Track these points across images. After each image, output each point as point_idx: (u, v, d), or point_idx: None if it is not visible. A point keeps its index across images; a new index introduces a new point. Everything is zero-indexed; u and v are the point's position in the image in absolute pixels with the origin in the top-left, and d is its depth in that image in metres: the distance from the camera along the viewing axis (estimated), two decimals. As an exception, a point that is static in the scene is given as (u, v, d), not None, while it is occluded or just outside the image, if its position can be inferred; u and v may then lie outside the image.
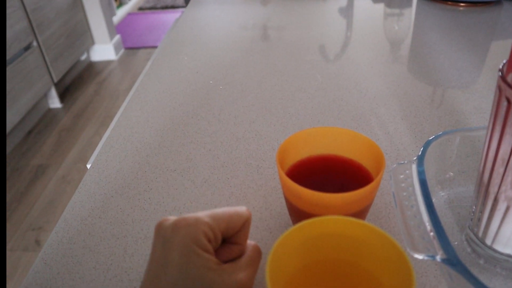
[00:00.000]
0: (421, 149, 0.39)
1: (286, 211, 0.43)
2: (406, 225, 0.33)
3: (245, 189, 0.46)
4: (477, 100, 0.60)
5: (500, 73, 0.30)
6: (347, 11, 1.00)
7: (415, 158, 0.38)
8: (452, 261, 0.29)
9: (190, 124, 0.57)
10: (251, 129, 0.56)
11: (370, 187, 0.32)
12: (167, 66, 0.74)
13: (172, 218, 0.29)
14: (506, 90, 0.29)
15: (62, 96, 2.53)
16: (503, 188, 0.32)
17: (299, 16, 0.95)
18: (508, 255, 0.35)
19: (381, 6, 1.00)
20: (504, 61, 0.31)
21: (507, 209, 0.32)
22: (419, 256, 0.30)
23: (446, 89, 0.63)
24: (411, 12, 0.97)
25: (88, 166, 0.62)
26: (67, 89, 2.63)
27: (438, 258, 0.30)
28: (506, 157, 0.31)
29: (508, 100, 0.29)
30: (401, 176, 0.37)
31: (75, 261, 0.39)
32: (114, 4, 3.41)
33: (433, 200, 0.34)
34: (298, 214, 0.35)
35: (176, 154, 0.52)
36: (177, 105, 0.62)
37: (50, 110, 2.44)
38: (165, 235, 0.28)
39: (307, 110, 0.59)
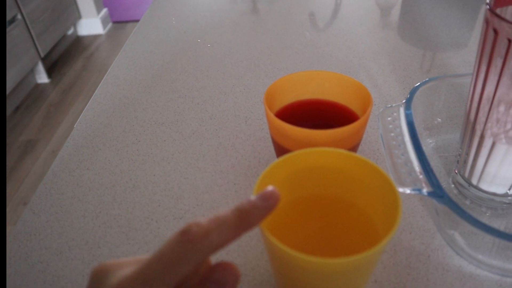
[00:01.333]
0: (409, 94, 0.39)
1: (274, 158, 0.43)
2: (394, 163, 0.33)
3: (233, 139, 0.46)
4: (466, 54, 0.60)
5: (487, 6, 0.30)
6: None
7: (403, 101, 0.39)
8: (438, 193, 0.30)
9: (178, 80, 0.56)
10: (239, 83, 0.55)
11: (357, 123, 0.32)
12: (155, 26, 0.72)
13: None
14: (493, 21, 0.29)
15: (49, 71, 2.48)
16: (488, 125, 0.32)
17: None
18: (493, 194, 0.36)
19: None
20: (492, -5, 0.31)
21: (493, 145, 0.33)
22: (406, 190, 0.30)
23: (436, 46, 0.63)
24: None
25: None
26: (55, 64, 2.59)
27: (424, 191, 0.30)
28: (492, 94, 0.31)
29: (495, 31, 0.29)
30: (389, 119, 0.37)
31: (63, 210, 0.39)
32: (100, -23, 3.32)
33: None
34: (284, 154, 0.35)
35: (164, 108, 0.51)
36: (165, 63, 0.61)
37: (37, 85, 2.40)
38: None
39: (295, 65, 0.58)
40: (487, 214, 0.36)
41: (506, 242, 0.28)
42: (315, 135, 0.32)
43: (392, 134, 0.36)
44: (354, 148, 0.35)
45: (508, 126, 0.31)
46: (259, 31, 0.69)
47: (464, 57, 0.59)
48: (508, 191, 0.35)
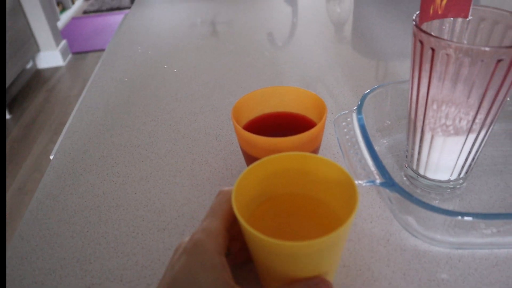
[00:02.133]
0: (360, 100, 0.44)
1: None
2: (350, 161, 0.38)
3: (206, 154, 0.49)
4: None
5: (414, 22, 0.35)
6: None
7: (354, 108, 0.44)
8: (389, 183, 0.35)
9: (149, 105, 0.60)
10: (207, 104, 0.59)
11: (315, 129, 0.36)
12: (121, 55, 0.76)
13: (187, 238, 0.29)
14: (419, 34, 0.34)
15: (10, 107, 2.45)
16: (426, 121, 0.38)
17: (246, 9, 0.99)
18: (438, 181, 0.41)
19: (321, -11, 1.06)
20: (417, 13, 0.36)
21: (432, 138, 0.38)
22: (362, 182, 0.35)
23: (385, 57, 0.69)
24: (349, -8, 1.03)
25: (51, 157, 0.64)
26: (15, 99, 2.55)
27: (377, 182, 0.35)
28: (425, 94, 0.37)
29: (421, 42, 0.34)
30: (343, 124, 0.42)
31: (52, 233, 0.42)
32: (57, 9, 3.31)
33: (375, 147, 0.39)
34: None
35: (138, 132, 0.54)
36: (135, 90, 0.64)
37: (-2, 122, 2.35)
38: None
39: (258, 82, 0.63)
40: (436, 199, 0.42)
41: (450, 217, 0.33)
42: (280, 142, 0.36)
43: (347, 137, 0.41)
44: (315, 152, 0.39)
45: (442, 121, 0.36)
46: (221, 53, 0.73)
47: (408, 64, 0.65)
48: (450, 177, 0.40)
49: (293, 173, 0.33)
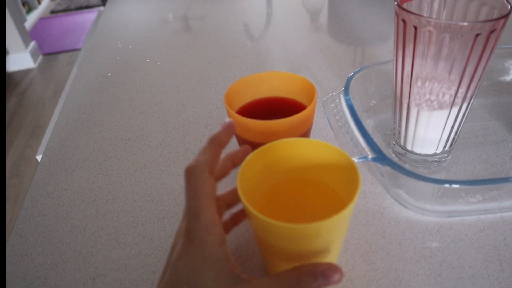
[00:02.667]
0: (345, 82, 0.46)
1: (239, 155, 0.48)
2: (341, 140, 0.39)
3: (198, 144, 0.50)
4: (390, 45, 0.68)
5: (395, 2, 0.37)
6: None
7: (342, 89, 0.45)
8: (380, 157, 0.36)
9: (135, 99, 0.60)
10: (193, 94, 0.60)
11: (307, 110, 0.38)
12: (102, 51, 0.75)
13: (180, 234, 0.29)
14: (401, 13, 0.36)
15: (-19, 112, 2.37)
16: (412, 97, 0.39)
17: (218, 2, 0.99)
18: (425, 155, 0.43)
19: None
20: (399, -7, 0.38)
21: (418, 113, 0.40)
22: (354, 159, 0.36)
23: (364, 41, 0.71)
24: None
25: (38, 157, 0.63)
26: (-14, 104, 2.47)
27: (369, 158, 0.36)
28: (410, 72, 0.38)
29: (404, 21, 0.36)
30: (332, 105, 0.44)
31: (50, 229, 0.42)
32: (23, 9, 3.22)
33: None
34: (249, 147, 0.40)
35: (128, 125, 0.55)
36: (119, 84, 0.64)
37: (-30, 128, 2.29)
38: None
39: (242, 72, 0.64)
40: (425, 172, 0.44)
41: (440, 186, 0.35)
42: (274, 124, 0.37)
43: (337, 117, 0.42)
44: (306, 133, 0.41)
45: (427, 96, 0.38)
46: (202, 45, 0.74)
47: (388, 47, 0.68)
48: (436, 151, 0.42)
49: (294, 158, 0.34)
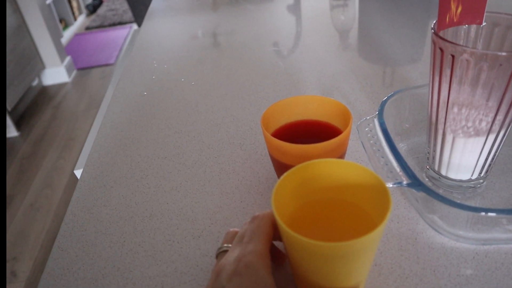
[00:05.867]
0: (379, 106, 0.46)
1: (272, 176, 0.49)
2: (375, 165, 0.40)
3: (232, 164, 0.51)
4: (422, 67, 0.68)
5: (432, 30, 0.37)
6: (295, 7, 1.07)
7: (376, 113, 0.45)
8: (416, 183, 0.36)
9: (171, 118, 0.62)
10: (227, 114, 0.61)
11: (343, 135, 0.38)
12: (138, 70, 0.78)
13: (227, 261, 0.31)
14: (438, 42, 0.36)
15: (18, 124, 2.47)
16: (447, 123, 0.40)
17: (248, 19, 1.02)
18: (460, 180, 0.43)
19: (326, -1, 1.09)
20: (435, 21, 0.38)
21: (453, 139, 0.40)
22: (389, 184, 0.37)
23: (394, 62, 0.71)
24: (355, 1, 1.06)
25: (76, 172, 0.66)
26: (22, 117, 2.58)
27: (404, 183, 0.37)
28: (446, 98, 0.39)
29: (441, 49, 0.36)
30: (366, 129, 0.44)
31: (90, 243, 0.43)
32: (60, 26, 3.36)
33: (395, 150, 0.41)
34: (284, 169, 0.40)
35: (163, 144, 0.56)
36: (155, 103, 0.66)
37: (7, 139, 2.38)
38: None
39: (275, 92, 0.65)
40: (459, 197, 0.43)
41: (475, 214, 0.35)
42: (310, 148, 0.38)
43: (371, 142, 0.42)
44: (341, 157, 0.41)
45: (463, 123, 0.38)
46: (235, 65, 0.76)
47: (420, 69, 0.68)
48: (471, 177, 0.42)
49: (327, 178, 0.35)
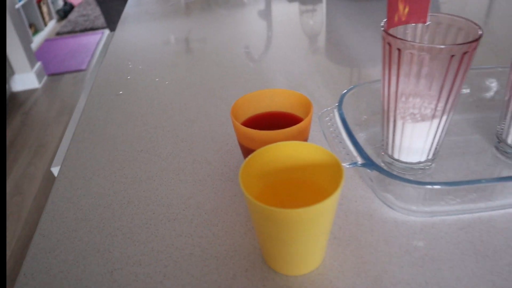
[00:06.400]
0: (339, 98, 0.51)
1: (241, 164, 0.52)
2: (334, 150, 0.44)
3: (205, 154, 0.55)
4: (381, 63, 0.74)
5: (382, 28, 0.42)
6: (266, 12, 1.12)
7: (336, 104, 0.50)
8: (369, 163, 0.41)
9: (147, 115, 0.65)
10: (200, 111, 0.65)
11: (304, 122, 0.42)
12: (113, 71, 0.81)
13: None
14: (387, 37, 0.41)
15: (-13, 131, 2.42)
16: (397, 111, 0.44)
17: (221, 24, 1.06)
18: (411, 163, 0.47)
19: (296, 5, 1.14)
20: (384, 20, 0.43)
21: (403, 125, 0.44)
22: (346, 165, 0.41)
23: (359, 63, 0.77)
24: (323, 6, 1.11)
25: (53, 169, 0.68)
26: (-8, 123, 2.53)
27: (359, 163, 0.41)
28: (395, 90, 0.43)
29: (389, 44, 0.41)
30: (327, 118, 0.48)
31: (70, 229, 0.46)
32: (30, 31, 3.31)
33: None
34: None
35: (140, 138, 0.59)
36: (131, 101, 0.69)
37: (-24, 146, 2.33)
38: None
39: (246, 91, 0.69)
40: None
41: (422, 188, 0.39)
42: (275, 135, 0.42)
43: (331, 129, 0.47)
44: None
45: (410, 110, 0.43)
46: (208, 66, 0.79)
47: (381, 68, 0.73)
48: (420, 159, 0.47)
49: (288, 159, 0.39)
